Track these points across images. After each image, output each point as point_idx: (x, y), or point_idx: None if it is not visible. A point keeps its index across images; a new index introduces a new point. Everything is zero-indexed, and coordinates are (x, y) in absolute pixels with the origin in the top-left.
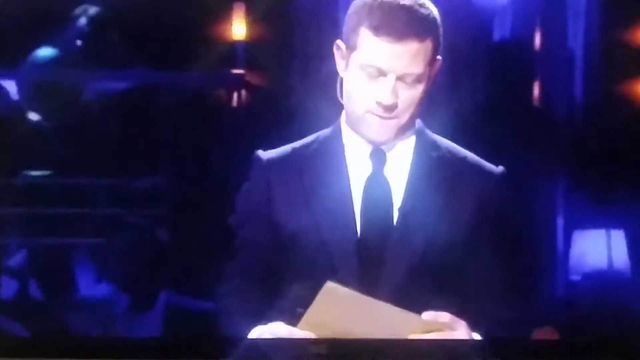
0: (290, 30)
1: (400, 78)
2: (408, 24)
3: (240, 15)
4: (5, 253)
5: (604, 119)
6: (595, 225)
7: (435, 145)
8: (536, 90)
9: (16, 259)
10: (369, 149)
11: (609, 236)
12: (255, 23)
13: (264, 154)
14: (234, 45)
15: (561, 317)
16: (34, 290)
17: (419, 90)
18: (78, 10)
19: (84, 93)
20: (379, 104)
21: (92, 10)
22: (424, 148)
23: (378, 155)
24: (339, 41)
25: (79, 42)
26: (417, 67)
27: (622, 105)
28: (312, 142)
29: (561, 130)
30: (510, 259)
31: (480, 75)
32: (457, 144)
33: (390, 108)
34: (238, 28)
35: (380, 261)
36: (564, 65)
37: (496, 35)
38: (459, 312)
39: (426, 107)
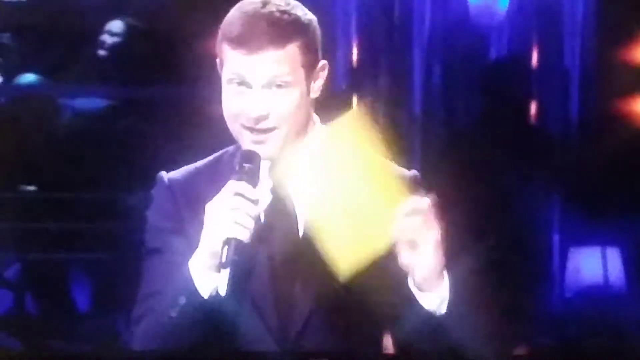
0: None
1: (265, 87)
2: (263, 34)
3: None
4: (2, 267)
5: (600, 137)
6: (591, 242)
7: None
8: (532, 108)
9: (12, 274)
10: (266, 164)
11: (604, 253)
12: None
13: (167, 174)
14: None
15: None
16: (29, 305)
17: (293, 96)
18: (72, 27)
19: (79, 109)
20: (247, 117)
21: (86, 27)
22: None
23: (276, 172)
24: (218, 59)
25: (75, 59)
26: (283, 74)
27: (618, 123)
28: (217, 159)
29: (557, 148)
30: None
31: (477, 92)
32: (453, 160)
33: (260, 119)
34: None
35: (292, 277)
36: (560, 83)
37: (493, 54)
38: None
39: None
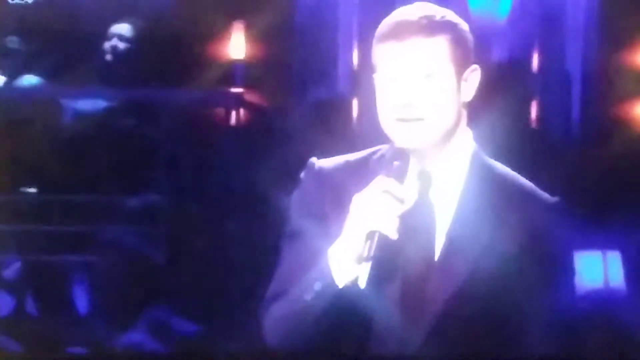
0: (290, 49)
1: (413, 76)
2: (414, 24)
3: (239, 34)
4: (2, 269)
5: (601, 141)
6: (592, 247)
7: (490, 170)
8: (534, 112)
9: (12, 276)
10: (415, 169)
11: (605, 258)
12: (255, 42)
13: (318, 162)
14: (233, 64)
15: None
16: (30, 307)
17: (441, 89)
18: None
19: (82, 111)
20: (398, 104)
21: (91, 30)
22: (478, 172)
23: (423, 177)
24: (374, 72)
25: (79, 61)
26: (429, 64)
27: (620, 127)
28: (369, 155)
29: (558, 152)
30: (550, 290)
31: (477, 96)
32: None
33: (409, 105)
34: (237, 47)
35: (422, 285)
36: (562, 87)
37: (494, 58)
38: (499, 343)
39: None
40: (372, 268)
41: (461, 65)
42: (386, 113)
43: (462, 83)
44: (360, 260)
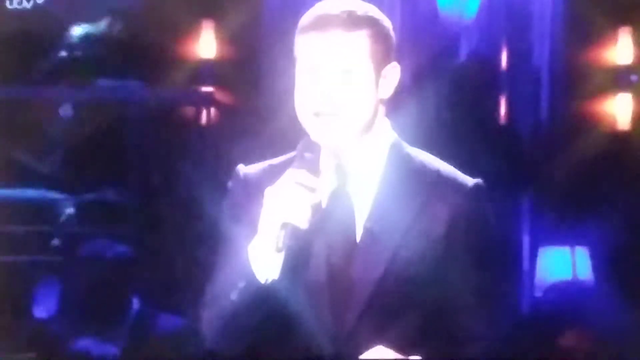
0: (258, 48)
1: (331, 70)
2: (333, 17)
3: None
4: None
5: (569, 138)
6: (560, 242)
7: (409, 159)
8: (502, 109)
9: None
10: (332, 163)
11: (573, 253)
12: (224, 41)
13: (243, 169)
14: (203, 63)
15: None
16: None
17: (358, 85)
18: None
19: (49, 107)
20: (315, 100)
21: (65, 28)
22: (397, 162)
23: (340, 171)
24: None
25: (51, 59)
26: (348, 59)
27: (587, 124)
28: (291, 158)
29: (526, 149)
30: (479, 274)
31: (447, 94)
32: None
33: (325, 99)
34: (206, 46)
35: (346, 276)
36: (530, 85)
37: (462, 56)
38: (425, 331)
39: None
40: (286, 259)
41: (380, 62)
42: (303, 106)
43: (381, 80)
44: (275, 252)
